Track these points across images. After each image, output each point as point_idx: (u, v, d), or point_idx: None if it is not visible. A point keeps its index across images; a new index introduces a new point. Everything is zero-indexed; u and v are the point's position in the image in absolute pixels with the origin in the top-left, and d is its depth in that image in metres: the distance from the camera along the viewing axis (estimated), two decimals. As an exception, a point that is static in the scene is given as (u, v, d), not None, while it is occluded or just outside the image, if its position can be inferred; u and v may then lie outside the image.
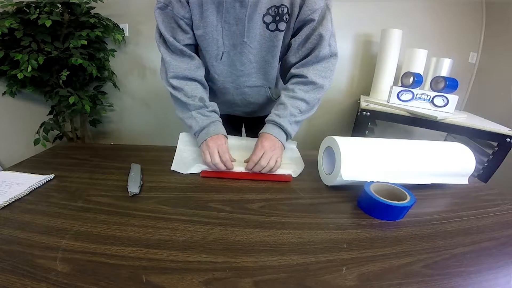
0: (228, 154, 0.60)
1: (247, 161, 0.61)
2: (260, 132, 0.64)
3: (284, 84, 0.71)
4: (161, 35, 0.64)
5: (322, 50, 0.62)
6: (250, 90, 0.74)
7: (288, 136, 0.64)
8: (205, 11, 0.60)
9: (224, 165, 0.58)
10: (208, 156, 0.58)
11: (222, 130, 0.64)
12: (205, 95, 0.67)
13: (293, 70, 0.66)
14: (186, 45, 0.65)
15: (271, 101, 0.79)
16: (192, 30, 0.64)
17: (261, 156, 0.58)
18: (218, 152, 0.58)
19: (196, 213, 0.44)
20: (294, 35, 0.64)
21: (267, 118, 0.65)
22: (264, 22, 0.61)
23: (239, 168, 0.60)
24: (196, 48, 0.69)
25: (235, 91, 0.74)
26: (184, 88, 0.64)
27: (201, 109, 0.64)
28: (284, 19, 0.61)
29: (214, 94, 0.77)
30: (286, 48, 0.68)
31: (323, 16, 0.61)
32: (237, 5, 0.59)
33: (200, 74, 0.67)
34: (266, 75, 0.71)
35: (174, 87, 0.65)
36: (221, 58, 0.67)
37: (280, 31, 0.62)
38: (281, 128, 0.63)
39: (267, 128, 0.63)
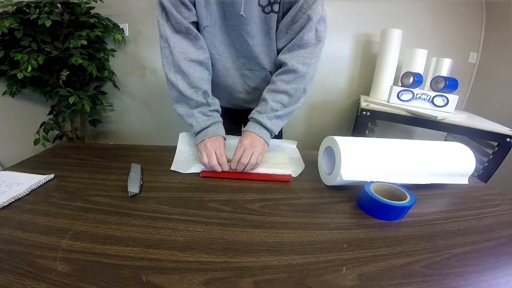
0: (226, 157, 0.60)
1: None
2: (243, 130, 0.64)
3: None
4: (163, 11, 0.60)
5: (307, 33, 0.60)
6: (250, 73, 0.73)
7: (270, 132, 0.64)
8: None
9: (221, 167, 0.58)
10: (205, 157, 0.58)
11: (222, 131, 0.64)
12: (208, 86, 0.66)
13: (280, 56, 0.66)
14: (191, 23, 0.62)
15: None
16: (194, 7, 0.62)
17: (241, 154, 0.58)
18: (216, 154, 0.58)
19: (196, 213, 0.44)
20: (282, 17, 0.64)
21: (249, 115, 0.66)
22: (259, 5, 0.62)
23: (239, 168, 0.60)
24: (197, 26, 0.66)
25: (236, 73, 0.73)
26: (191, 74, 0.61)
27: (203, 108, 0.63)
28: (278, 1, 0.61)
29: (215, 78, 0.75)
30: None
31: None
32: None
33: (207, 55, 0.66)
34: (266, 58, 0.70)
35: (180, 72, 0.61)
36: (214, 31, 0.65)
37: (275, 12, 0.63)
38: (260, 124, 0.62)
39: (248, 126, 0.63)
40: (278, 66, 0.69)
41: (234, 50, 0.69)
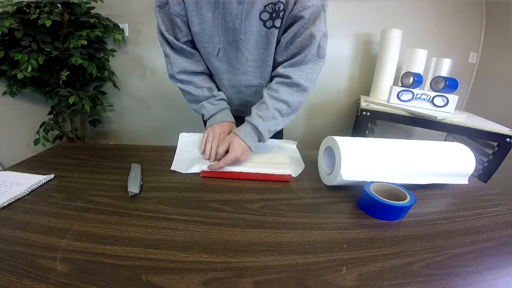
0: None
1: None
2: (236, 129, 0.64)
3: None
4: (162, 33, 0.65)
5: (311, 50, 0.61)
6: (246, 89, 0.74)
7: (261, 138, 0.64)
8: (202, 8, 0.60)
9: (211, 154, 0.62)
10: (210, 136, 0.64)
11: (230, 118, 0.69)
12: (212, 84, 0.73)
13: (280, 69, 0.65)
14: (185, 42, 0.66)
15: None
16: (188, 27, 0.64)
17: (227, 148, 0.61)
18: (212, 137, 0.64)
19: (196, 213, 0.44)
20: (284, 32, 0.63)
21: (246, 117, 0.65)
22: (261, 19, 0.61)
23: (239, 168, 0.60)
24: (194, 43, 0.69)
25: (232, 90, 0.74)
26: (193, 80, 0.70)
27: (209, 99, 0.71)
28: (281, 16, 0.60)
29: None
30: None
31: (316, 16, 0.59)
32: (234, 1, 0.58)
33: (204, 67, 0.72)
34: (262, 73, 0.71)
35: (183, 81, 0.70)
36: (217, 54, 0.68)
37: (276, 28, 0.62)
38: (256, 130, 0.63)
39: (243, 127, 0.64)
40: (273, 77, 0.69)
41: (231, 67, 0.70)
